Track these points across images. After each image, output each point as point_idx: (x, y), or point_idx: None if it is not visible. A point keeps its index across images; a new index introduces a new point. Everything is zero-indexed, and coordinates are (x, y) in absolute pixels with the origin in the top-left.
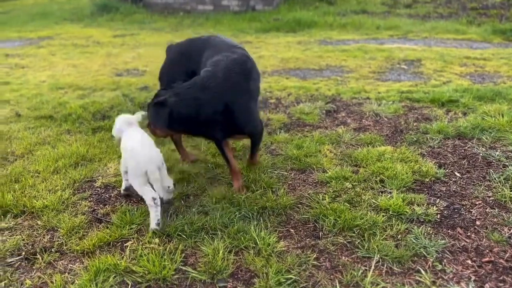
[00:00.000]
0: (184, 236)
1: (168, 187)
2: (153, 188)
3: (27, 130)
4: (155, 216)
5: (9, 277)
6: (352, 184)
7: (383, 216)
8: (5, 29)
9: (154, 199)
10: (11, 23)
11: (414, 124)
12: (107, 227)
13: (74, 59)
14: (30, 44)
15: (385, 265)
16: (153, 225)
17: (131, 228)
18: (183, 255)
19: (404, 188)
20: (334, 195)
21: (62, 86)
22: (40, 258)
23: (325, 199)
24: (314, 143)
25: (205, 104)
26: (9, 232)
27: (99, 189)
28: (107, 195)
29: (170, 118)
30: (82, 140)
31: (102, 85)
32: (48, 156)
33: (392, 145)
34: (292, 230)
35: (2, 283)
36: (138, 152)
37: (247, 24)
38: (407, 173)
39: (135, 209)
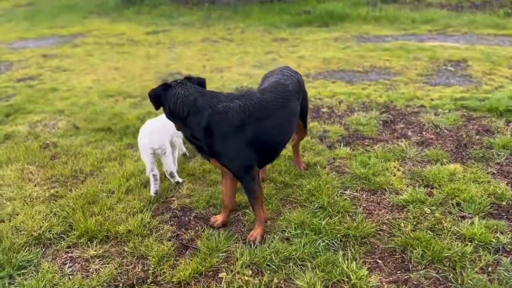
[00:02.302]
0: (273, 267)
1: (168, 172)
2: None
3: (89, 144)
4: (153, 187)
5: None
6: (430, 209)
7: (469, 245)
8: (35, 24)
9: (153, 175)
10: (39, 18)
11: (477, 137)
12: (195, 254)
13: (113, 61)
14: (64, 42)
15: None
16: (151, 193)
17: (219, 256)
18: None
19: (483, 213)
20: (415, 222)
21: (112, 94)
22: None
23: (407, 227)
24: (379, 160)
25: (194, 112)
26: (100, 261)
27: (176, 211)
28: (186, 218)
29: (167, 104)
30: None
31: None
32: (118, 174)
33: (460, 162)
34: (379, 261)
35: None
36: (142, 135)
37: (277, 17)
38: (482, 196)
39: (218, 233)
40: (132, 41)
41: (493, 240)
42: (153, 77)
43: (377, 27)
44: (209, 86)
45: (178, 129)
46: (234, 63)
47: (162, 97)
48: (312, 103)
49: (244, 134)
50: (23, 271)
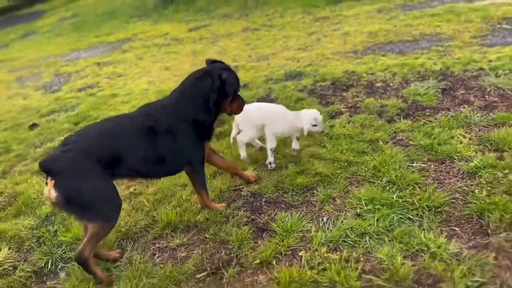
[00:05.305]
0: (350, 243)
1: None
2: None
3: None
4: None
5: None
6: (502, 173)
7: None
8: (83, 35)
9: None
10: (85, 28)
11: None
12: (272, 236)
13: (163, 61)
14: (113, 49)
15: None
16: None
17: (295, 237)
18: (360, 263)
19: None
20: (489, 187)
21: (168, 92)
22: (225, 272)
23: (482, 193)
24: (443, 129)
25: None
26: (185, 248)
27: (247, 198)
28: (257, 204)
29: None
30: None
31: None
32: None
33: None
34: (456, 228)
35: None
36: None
37: None
38: None
39: (289, 215)
40: (176, 40)
41: None
42: None
43: None
44: (257, 74)
45: None
46: (278, 49)
47: None
48: (364, 79)
49: None
50: (118, 263)
